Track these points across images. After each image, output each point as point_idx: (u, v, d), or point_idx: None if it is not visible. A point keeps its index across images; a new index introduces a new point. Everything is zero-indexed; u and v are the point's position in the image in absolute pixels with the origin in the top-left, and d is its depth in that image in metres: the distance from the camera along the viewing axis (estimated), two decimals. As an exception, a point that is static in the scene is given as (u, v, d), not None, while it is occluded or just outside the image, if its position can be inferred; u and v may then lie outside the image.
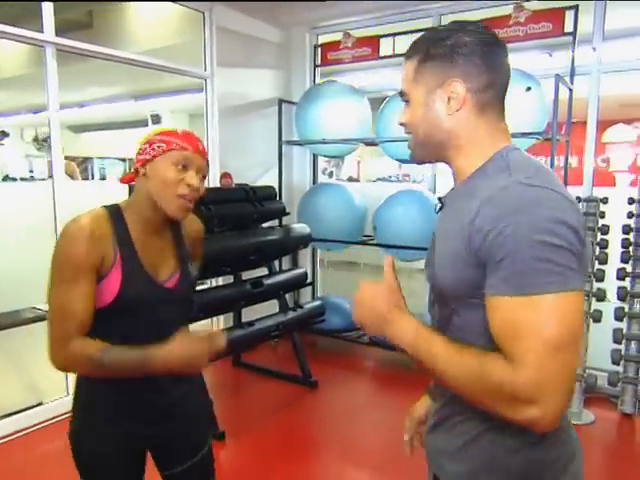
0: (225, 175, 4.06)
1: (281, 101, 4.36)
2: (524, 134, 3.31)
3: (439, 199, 1.07)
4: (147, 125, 8.29)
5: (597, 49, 3.58)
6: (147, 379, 1.25)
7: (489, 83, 0.95)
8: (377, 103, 4.24)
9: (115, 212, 1.30)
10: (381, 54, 4.22)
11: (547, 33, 3.58)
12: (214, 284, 3.90)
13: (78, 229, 1.21)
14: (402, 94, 1.04)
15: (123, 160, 10.52)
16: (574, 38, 3.46)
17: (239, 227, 3.46)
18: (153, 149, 1.26)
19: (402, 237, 3.80)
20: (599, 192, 3.59)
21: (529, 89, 3.34)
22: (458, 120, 0.97)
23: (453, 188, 1.04)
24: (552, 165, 3.27)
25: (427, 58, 0.97)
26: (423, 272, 1.13)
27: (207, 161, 1.32)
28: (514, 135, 3.34)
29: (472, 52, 0.94)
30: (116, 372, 1.22)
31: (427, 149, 1.03)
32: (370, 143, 4.22)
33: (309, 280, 4.02)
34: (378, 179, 9.48)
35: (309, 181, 4.79)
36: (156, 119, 8.63)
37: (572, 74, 3.48)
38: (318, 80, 4.67)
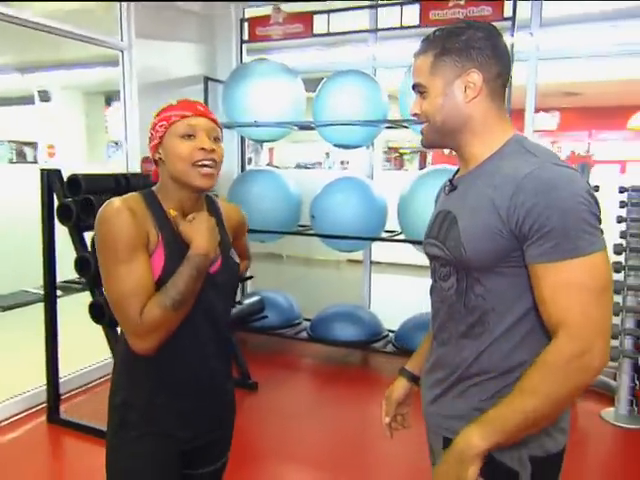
0: (146, 160, 3.87)
1: (207, 79, 4.22)
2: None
3: (450, 181, 1.24)
4: (34, 103, 7.71)
5: (534, 35, 3.81)
6: (211, 379, 1.38)
7: (499, 73, 1.14)
8: (311, 84, 4.23)
9: (149, 195, 1.33)
10: (315, 32, 4.21)
11: (487, 17, 3.74)
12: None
13: (116, 210, 1.24)
14: (417, 86, 1.18)
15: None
16: (513, 23, 3.66)
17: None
18: (157, 131, 1.29)
19: (342, 226, 3.83)
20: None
21: (472, 74, 3.49)
22: (474, 107, 1.14)
23: (457, 171, 1.26)
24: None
25: (444, 52, 1.13)
26: (423, 248, 1.30)
27: (215, 121, 1.33)
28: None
29: (484, 46, 1.12)
30: (185, 301, 1.24)
31: (443, 135, 1.19)
32: (306, 127, 4.19)
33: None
34: (299, 166, 9.50)
35: (237, 167, 4.69)
36: (44, 96, 8.05)
37: (512, 60, 3.67)
38: (245, 57, 4.56)
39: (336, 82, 3.88)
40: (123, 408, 1.33)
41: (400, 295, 4.45)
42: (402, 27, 3.95)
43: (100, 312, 2.86)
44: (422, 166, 12.85)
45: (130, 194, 1.32)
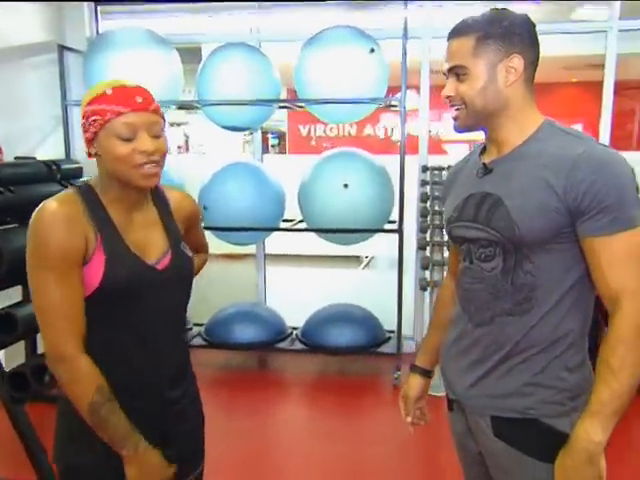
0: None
1: (62, 48, 3.99)
2: (373, 100, 3.76)
3: (484, 164, 1.39)
4: None
5: (426, 10, 4.21)
6: (163, 383, 1.43)
7: (535, 58, 1.32)
8: (187, 55, 4.23)
9: (87, 192, 1.35)
10: (188, -2, 4.21)
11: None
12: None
13: (50, 215, 1.27)
14: (456, 68, 1.32)
15: None
16: (405, -1, 4.00)
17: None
18: (91, 124, 1.29)
19: (235, 217, 3.91)
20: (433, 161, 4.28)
21: (372, 51, 3.77)
22: (513, 92, 1.31)
23: (481, 152, 1.45)
24: (403, 132, 3.78)
25: (488, 36, 1.28)
26: (450, 232, 1.47)
27: (157, 111, 1.34)
28: (359, 100, 3.73)
29: (524, 32, 1.30)
30: (101, 427, 1.32)
31: (480, 118, 1.35)
32: (188, 107, 4.18)
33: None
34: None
35: (98, 153, 4.51)
36: None
37: (406, 35, 3.97)
38: (101, 24, 4.38)
39: (223, 56, 3.92)
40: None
41: (299, 289, 4.66)
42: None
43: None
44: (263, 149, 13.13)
45: (65, 192, 1.34)
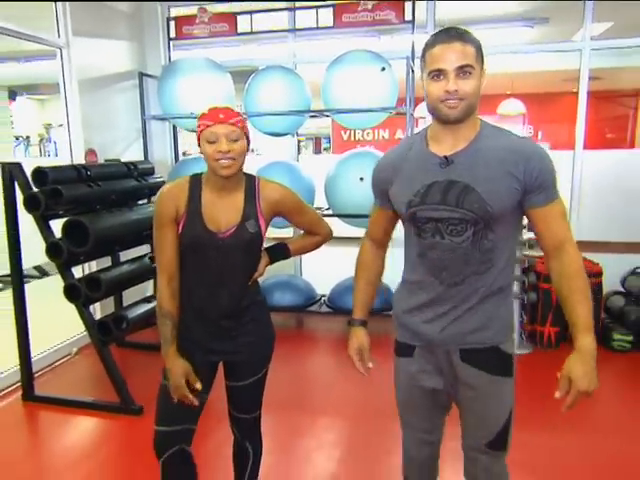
0: (90, 152, 3.94)
1: (142, 74, 4.29)
2: (384, 109, 3.88)
3: (445, 157, 1.42)
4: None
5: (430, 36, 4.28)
6: (219, 315, 1.72)
7: None
8: (238, 76, 4.45)
9: (196, 178, 1.71)
10: (239, 31, 4.42)
11: (390, 20, 4.17)
12: (93, 268, 3.78)
13: (160, 193, 1.69)
14: (468, 67, 1.32)
15: None
16: (413, 25, 4.11)
17: (123, 204, 3.44)
18: (198, 131, 1.62)
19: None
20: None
21: (384, 69, 3.90)
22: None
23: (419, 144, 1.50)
24: (410, 133, 3.90)
25: (479, 47, 1.36)
26: (415, 213, 1.46)
27: (235, 124, 1.59)
28: (372, 109, 3.86)
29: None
30: (158, 320, 1.70)
31: (468, 113, 1.38)
32: (238, 117, 4.40)
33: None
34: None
35: (170, 157, 4.81)
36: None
37: (413, 57, 4.11)
38: (173, 54, 4.66)
39: (265, 76, 4.13)
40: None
41: (327, 264, 4.83)
42: (318, 27, 4.30)
43: (76, 293, 2.98)
44: (317, 150, 13.33)
45: (182, 177, 1.72)
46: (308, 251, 1.94)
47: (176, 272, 1.69)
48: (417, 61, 4.06)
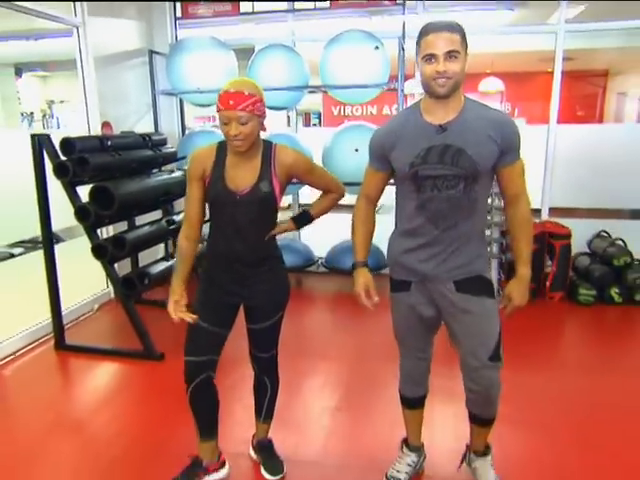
0: (105, 125, 4.06)
1: (151, 52, 4.39)
2: (377, 85, 4.04)
3: (440, 126, 1.65)
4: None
5: (420, 16, 4.43)
6: (236, 260, 1.89)
7: None
8: (241, 53, 4.56)
9: (222, 144, 1.87)
10: (241, 11, 4.52)
11: (383, 2, 4.30)
12: (111, 232, 3.94)
13: (191, 155, 1.89)
14: (454, 52, 1.55)
15: None
16: (403, 7, 4.24)
17: (140, 172, 3.60)
18: (216, 109, 1.75)
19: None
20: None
21: (377, 48, 4.04)
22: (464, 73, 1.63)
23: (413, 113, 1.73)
24: (400, 108, 4.07)
25: (464, 36, 1.58)
26: (416, 172, 1.68)
27: (243, 109, 1.68)
28: (366, 86, 3.96)
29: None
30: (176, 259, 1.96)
31: (456, 87, 1.60)
32: (241, 92, 4.53)
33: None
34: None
35: (177, 129, 4.93)
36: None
37: (404, 37, 4.24)
38: (179, 32, 4.75)
39: (267, 54, 4.25)
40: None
41: (323, 229, 5.02)
42: (315, 8, 4.42)
43: (103, 251, 3.15)
44: (306, 124, 13.39)
45: (212, 143, 1.89)
46: (328, 209, 2.06)
47: (196, 222, 1.91)
48: (407, 40, 4.24)
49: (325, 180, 2.03)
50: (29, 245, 4.15)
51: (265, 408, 2.21)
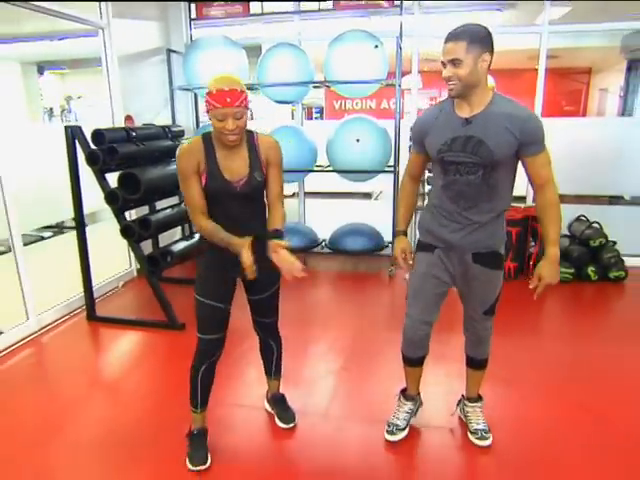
0: (128, 117, 4.22)
1: (169, 51, 4.54)
2: (377, 80, 4.19)
3: (466, 119, 1.80)
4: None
5: (416, 17, 4.57)
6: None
7: (492, 54, 1.76)
8: (250, 51, 4.71)
9: (207, 137, 1.85)
10: (251, 12, 4.67)
11: (382, 4, 4.43)
12: (133, 215, 4.11)
13: (181, 150, 1.82)
14: (455, 60, 1.70)
15: None
16: (401, 8, 4.37)
17: (162, 160, 3.77)
18: (206, 106, 1.74)
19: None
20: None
21: (377, 46, 4.19)
22: (483, 74, 1.76)
23: (447, 107, 1.86)
24: (398, 102, 4.22)
25: (473, 41, 1.69)
26: (442, 158, 1.86)
27: (240, 105, 1.70)
28: (367, 81, 4.12)
29: (489, 39, 1.73)
30: (214, 238, 1.85)
31: (467, 89, 1.75)
32: (251, 88, 4.69)
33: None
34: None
35: (192, 122, 5.09)
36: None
37: (401, 36, 4.37)
38: (194, 32, 4.90)
39: (275, 52, 4.40)
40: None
41: (327, 213, 5.19)
42: (320, 10, 4.57)
43: (131, 232, 3.34)
44: (308, 118, 13.50)
45: (196, 136, 1.85)
46: (284, 219, 1.96)
47: (205, 209, 1.84)
48: (405, 39, 4.38)
49: (279, 185, 1.95)
50: (56, 229, 4.36)
51: (274, 365, 2.36)
